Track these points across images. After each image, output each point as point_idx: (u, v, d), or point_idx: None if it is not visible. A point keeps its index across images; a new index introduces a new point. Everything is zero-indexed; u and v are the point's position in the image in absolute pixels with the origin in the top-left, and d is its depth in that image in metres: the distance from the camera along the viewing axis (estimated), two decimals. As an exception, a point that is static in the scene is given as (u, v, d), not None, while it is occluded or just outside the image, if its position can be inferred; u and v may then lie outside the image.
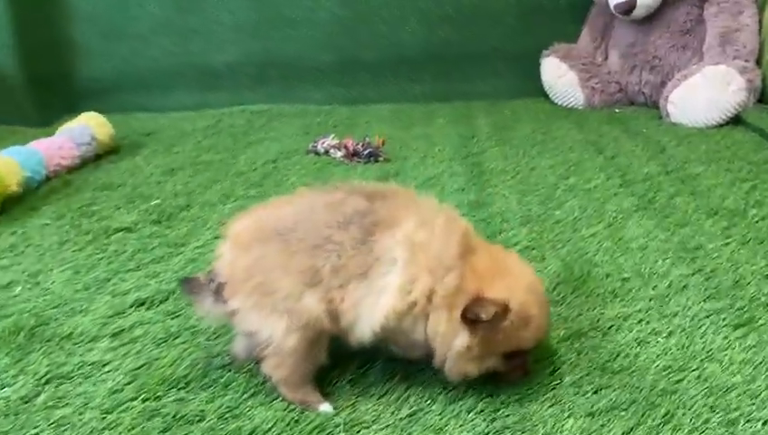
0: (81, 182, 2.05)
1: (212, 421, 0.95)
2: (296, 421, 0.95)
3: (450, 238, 0.95)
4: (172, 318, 1.24)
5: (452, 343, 0.93)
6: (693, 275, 1.32)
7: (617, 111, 2.70)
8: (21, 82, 2.89)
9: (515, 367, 0.99)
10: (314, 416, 0.96)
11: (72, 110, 2.48)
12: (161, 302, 1.31)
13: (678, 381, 1.00)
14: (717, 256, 1.39)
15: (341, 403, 0.99)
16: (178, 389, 1.03)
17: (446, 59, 2.99)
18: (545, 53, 2.84)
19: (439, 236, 0.95)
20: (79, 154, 2.21)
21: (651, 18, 2.61)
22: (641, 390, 0.98)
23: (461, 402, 0.97)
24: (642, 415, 0.93)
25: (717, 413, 0.93)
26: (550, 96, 2.85)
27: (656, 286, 1.28)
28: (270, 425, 0.94)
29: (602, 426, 0.91)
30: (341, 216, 0.96)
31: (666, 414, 0.93)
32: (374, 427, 0.93)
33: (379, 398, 1.00)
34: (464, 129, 2.52)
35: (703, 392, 0.97)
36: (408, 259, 0.93)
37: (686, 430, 0.90)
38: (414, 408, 0.97)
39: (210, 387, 1.03)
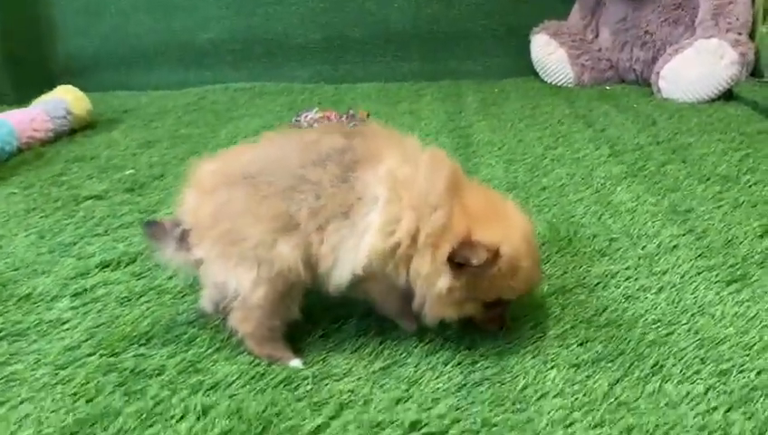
0: (53, 154, 1.98)
1: (171, 375, 0.89)
2: (262, 375, 0.89)
3: (437, 175, 0.88)
4: (137, 279, 1.18)
5: (434, 284, 0.87)
6: (684, 235, 1.26)
7: (607, 88, 2.65)
8: (-3, 59, 2.82)
9: (492, 318, 0.93)
10: (281, 370, 0.90)
11: (51, 88, 2.41)
12: (128, 264, 1.24)
13: (668, 335, 0.94)
14: (709, 217, 1.34)
15: (312, 358, 0.93)
16: (139, 345, 0.97)
17: (434, 37, 2.94)
18: (535, 30, 2.78)
19: (425, 173, 0.88)
20: (53, 127, 2.13)
21: (642, -7, 2.56)
22: (629, 341, 0.92)
23: (437, 355, 0.92)
24: (630, 366, 0.87)
25: (708, 364, 0.87)
26: (539, 74, 2.80)
27: (645, 246, 1.23)
28: (234, 378, 0.88)
29: (588, 377, 0.86)
30: (316, 154, 0.89)
31: (655, 365, 0.87)
32: (345, 380, 0.88)
33: (351, 352, 0.94)
34: (451, 105, 2.47)
35: (694, 344, 0.92)
36: (391, 197, 0.86)
37: (676, 381, 0.84)
38: (388, 361, 0.91)
39: (172, 343, 0.97)
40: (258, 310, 0.90)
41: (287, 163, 0.90)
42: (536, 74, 2.83)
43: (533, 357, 0.90)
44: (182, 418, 0.80)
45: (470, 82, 2.83)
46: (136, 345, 0.97)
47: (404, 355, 0.92)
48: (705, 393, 0.81)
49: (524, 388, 0.84)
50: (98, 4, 2.89)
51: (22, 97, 2.65)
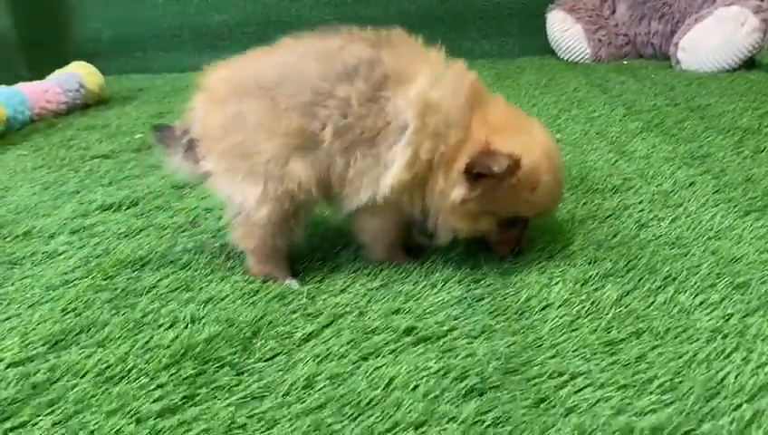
0: (65, 124, 1.99)
1: (163, 292, 0.87)
2: (256, 292, 0.86)
3: (457, 93, 0.83)
4: (138, 218, 1.16)
5: (448, 196, 0.82)
6: (701, 175, 1.21)
7: (624, 62, 2.59)
8: (14, 43, 2.85)
9: (507, 239, 0.88)
10: (275, 286, 0.86)
11: (67, 71, 2.43)
12: (129, 206, 1.23)
13: (683, 255, 0.90)
14: (728, 161, 1.29)
15: (309, 279, 0.90)
16: (133, 270, 0.95)
17: (448, 17, 2.91)
18: (551, 6, 2.74)
19: (449, 93, 0.82)
20: (65, 100, 2.14)
21: (660, -36, 2.51)
22: (640, 259, 0.88)
23: (438, 274, 0.88)
24: (641, 280, 0.83)
25: (725, 278, 0.82)
26: (556, 52, 2.75)
27: (660, 184, 1.18)
28: (226, 294, 0.85)
29: (595, 290, 0.81)
30: (342, 65, 0.82)
31: (667, 277, 0.82)
32: (341, 295, 0.84)
33: (349, 273, 0.90)
34: (465, 79, 2.43)
35: (710, 262, 0.87)
36: (418, 126, 0.81)
37: (689, 293, 0.79)
38: (386, 280, 0.88)
39: (167, 267, 0.95)
40: (261, 228, 0.86)
41: (308, 74, 0.83)
42: (553, 53, 2.79)
43: (540, 274, 0.86)
44: (171, 326, 0.78)
45: (485, 61, 2.79)
46: (129, 270, 0.95)
47: (402, 274, 0.89)
48: (721, 302, 0.77)
49: (528, 299, 0.80)
50: (114, -12, 2.91)
51: (38, 80, 2.68)
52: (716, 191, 1.12)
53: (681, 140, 1.46)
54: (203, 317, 0.79)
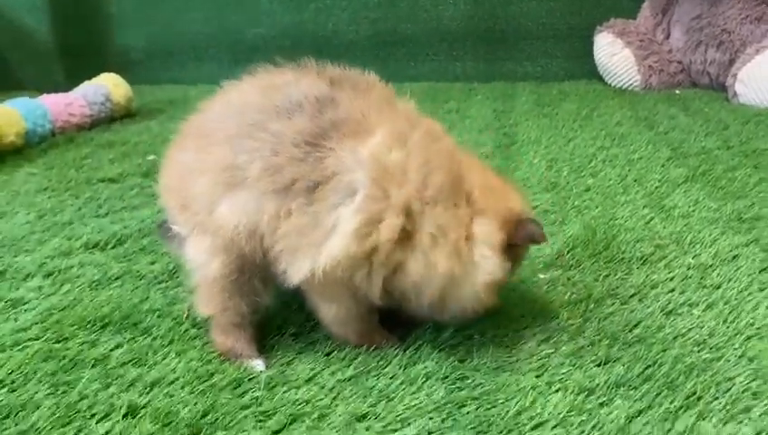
0: (85, 139, 1.94)
1: (110, 367, 0.77)
2: (211, 374, 0.76)
3: (433, 162, 0.73)
4: (118, 261, 1.08)
5: (471, 274, 0.73)
6: (747, 245, 1.06)
7: (677, 92, 2.41)
8: (53, 49, 2.87)
9: None
10: (234, 370, 0.76)
11: (103, 79, 2.41)
12: (114, 246, 1.15)
13: (713, 360, 0.75)
14: (782, 228, 1.13)
15: (276, 360, 0.79)
16: (90, 331, 0.86)
17: (490, 36, 2.77)
18: (599, 28, 2.57)
19: (419, 161, 0.72)
20: (90, 113, 2.10)
21: (721, -13, 2.31)
22: (660, 365, 0.74)
23: (422, 365, 0.76)
24: (657, 395, 0.69)
25: (763, 400, 0.68)
26: (603, 77, 2.58)
27: (698, 255, 1.03)
28: (177, 376, 0.75)
29: (601, 405, 0.68)
30: (283, 99, 0.73)
31: (690, 396, 0.69)
32: (304, 388, 0.73)
33: (323, 355, 0.79)
34: (501, 104, 2.30)
35: (746, 374, 0.72)
36: (373, 193, 0.69)
37: (716, 419, 0.65)
38: (360, 368, 0.76)
39: (126, 331, 0.86)
40: (217, 287, 0.77)
41: (246, 107, 0.75)
42: (601, 78, 2.62)
43: (537, 376, 0.73)
44: (104, 418, 0.68)
45: (526, 84, 2.65)
46: (87, 331, 0.86)
47: (381, 363, 0.77)
48: (755, 437, 0.63)
49: (518, 413, 0.67)
50: (153, -1, 2.89)
51: (75, 87, 2.67)
52: (764, 269, 0.97)
53: (729, 194, 1.30)
54: (141, 408, 0.69)
